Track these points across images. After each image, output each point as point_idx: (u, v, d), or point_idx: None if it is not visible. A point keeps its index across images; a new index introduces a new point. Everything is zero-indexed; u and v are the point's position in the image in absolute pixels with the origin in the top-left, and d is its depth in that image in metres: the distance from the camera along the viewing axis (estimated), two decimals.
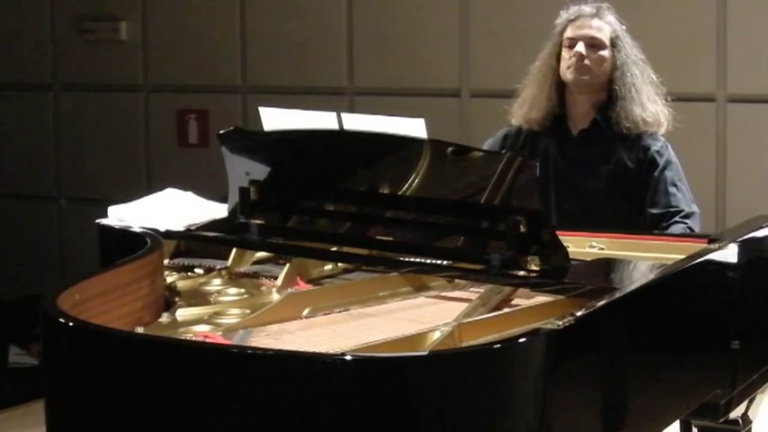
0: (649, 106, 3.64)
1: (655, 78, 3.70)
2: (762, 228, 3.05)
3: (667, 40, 5.21)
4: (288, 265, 2.93)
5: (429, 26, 5.90)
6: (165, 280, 2.93)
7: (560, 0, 3.80)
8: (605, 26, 3.66)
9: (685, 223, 3.56)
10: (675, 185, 3.61)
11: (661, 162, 3.62)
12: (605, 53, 3.64)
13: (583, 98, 3.69)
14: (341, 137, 2.98)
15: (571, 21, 3.68)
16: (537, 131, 3.73)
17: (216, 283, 2.97)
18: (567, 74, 3.65)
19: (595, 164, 3.66)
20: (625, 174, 3.63)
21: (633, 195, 3.63)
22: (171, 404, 2.14)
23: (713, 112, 5.28)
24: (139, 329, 2.52)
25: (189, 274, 3.09)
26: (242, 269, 3.08)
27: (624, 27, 3.71)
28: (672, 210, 3.58)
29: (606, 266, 2.87)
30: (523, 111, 3.73)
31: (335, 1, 6.12)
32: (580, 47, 3.62)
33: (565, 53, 3.66)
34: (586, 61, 3.62)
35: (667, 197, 3.59)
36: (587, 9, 3.69)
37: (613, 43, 3.65)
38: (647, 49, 3.76)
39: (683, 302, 2.68)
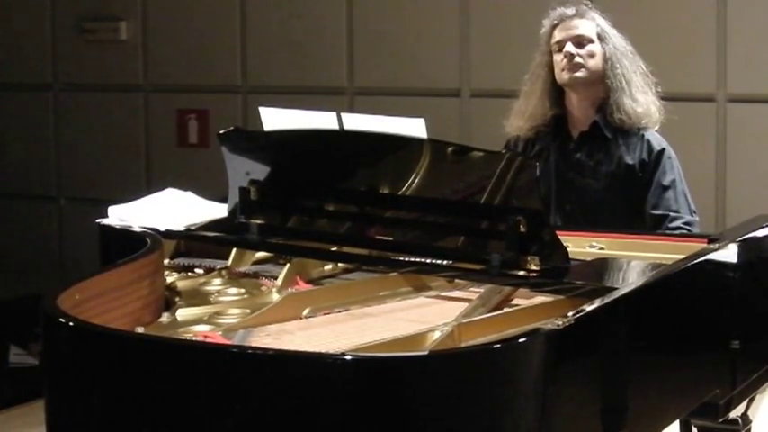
0: (639, 97, 3.65)
1: (645, 69, 3.71)
2: (762, 228, 3.05)
3: (667, 40, 5.21)
4: (288, 265, 2.94)
5: (429, 26, 5.89)
6: (165, 280, 2.93)
7: (560, 1, 3.81)
8: (588, 23, 3.69)
9: (685, 229, 3.56)
10: (678, 189, 3.61)
11: (665, 163, 3.62)
12: (594, 47, 3.66)
13: (581, 99, 3.69)
14: (341, 137, 2.98)
15: (555, 25, 3.71)
16: (536, 137, 3.74)
17: (216, 283, 2.97)
18: (562, 76, 3.66)
19: (596, 165, 3.67)
20: (627, 173, 3.63)
21: (633, 195, 3.62)
22: (171, 404, 2.14)
23: (713, 112, 5.28)
24: (139, 329, 2.52)
25: (189, 274, 3.09)
26: (242, 269, 3.08)
27: (609, 22, 3.73)
28: (672, 214, 3.58)
29: (606, 266, 2.87)
30: (519, 121, 3.75)
31: (335, 1, 6.12)
32: (569, 47, 3.65)
33: (556, 57, 3.68)
34: (577, 59, 3.64)
35: (669, 200, 3.59)
36: (568, 11, 3.72)
37: (600, 37, 3.68)
38: (647, 49, 3.77)
39: (683, 302, 2.68)
